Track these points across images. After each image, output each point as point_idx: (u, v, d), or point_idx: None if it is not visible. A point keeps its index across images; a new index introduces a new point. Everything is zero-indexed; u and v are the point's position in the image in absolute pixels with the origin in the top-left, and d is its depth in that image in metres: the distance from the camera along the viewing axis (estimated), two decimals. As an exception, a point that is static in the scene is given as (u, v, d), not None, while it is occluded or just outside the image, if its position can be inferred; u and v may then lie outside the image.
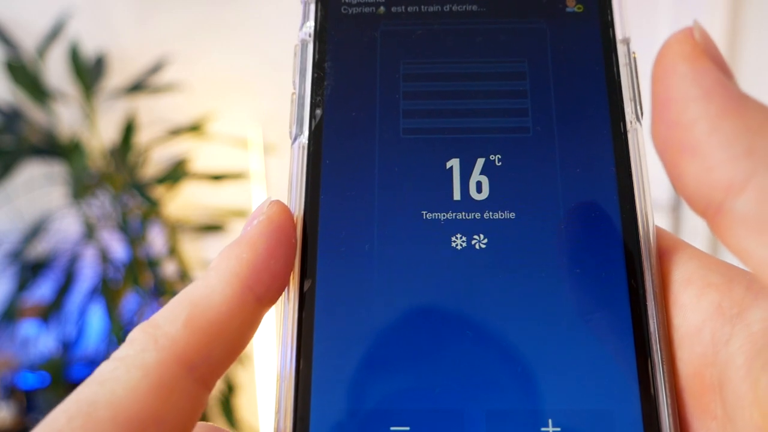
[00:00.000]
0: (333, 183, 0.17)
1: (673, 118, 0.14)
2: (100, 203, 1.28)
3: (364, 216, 0.16)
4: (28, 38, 1.27)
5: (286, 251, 0.17)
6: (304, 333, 0.16)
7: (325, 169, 0.17)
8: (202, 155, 1.31)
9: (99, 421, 0.14)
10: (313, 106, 0.17)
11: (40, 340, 1.33)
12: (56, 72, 1.27)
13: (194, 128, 1.29)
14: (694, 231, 1.25)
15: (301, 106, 0.17)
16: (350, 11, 0.18)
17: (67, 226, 1.28)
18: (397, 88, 0.17)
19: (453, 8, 0.18)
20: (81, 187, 1.20)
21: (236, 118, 1.34)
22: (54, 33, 1.23)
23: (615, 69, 0.17)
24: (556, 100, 0.17)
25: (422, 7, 0.18)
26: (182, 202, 1.33)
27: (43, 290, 1.26)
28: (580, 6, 0.18)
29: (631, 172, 0.17)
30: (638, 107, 0.17)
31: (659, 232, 0.17)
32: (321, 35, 0.18)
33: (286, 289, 0.17)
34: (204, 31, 1.34)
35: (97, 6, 1.33)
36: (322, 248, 0.16)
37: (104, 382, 0.15)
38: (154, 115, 1.31)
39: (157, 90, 1.28)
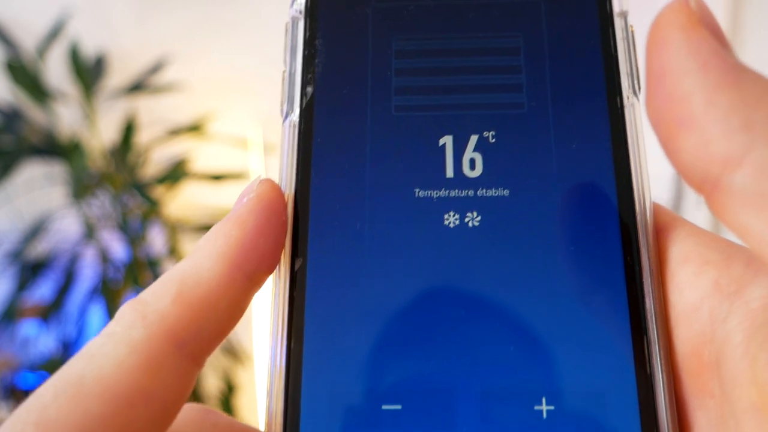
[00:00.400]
0: (324, 161, 0.17)
1: (669, 91, 0.14)
2: (100, 203, 1.28)
3: (356, 194, 0.16)
4: (28, 38, 1.27)
5: (276, 229, 0.16)
6: (295, 312, 0.16)
7: (316, 147, 0.17)
8: (202, 155, 1.31)
9: (86, 396, 0.14)
10: (304, 84, 0.17)
11: (40, 340, 1.33)
12: (56, 72, 1.27)
13: (194, 128, 1.29)
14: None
15: (291, 84, 0.17)
16: None
17: (67, 226, 1.28)
18: (389, 65, 0.17)
19: None
20: (81, 187, 1.20)
21: (236, 118, 1.33)
22: (54, 33, 1.23)
23: (612, 43, 0.17)
24: (551, 75, 0.17)
25: None
26: (182, 202, 1.32)
27: (43, 290, 1.26)
28: None
29: (627, 147, 0.16)
30: (635, 82, 0.17)
31: (657, 208, 0.17)
32: (312, 12, 0.18)
33: (277, 268, 0.17)
34: (204, 31, 1.34)
35: (97, 6, 1.33)
36: (313, 226, 0.16)
37: (92, 357, 0.15)
38: (154, 115, 1.31)
39: (157, 90, 1.28)
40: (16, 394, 1.31)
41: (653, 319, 0.15)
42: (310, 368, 0.15)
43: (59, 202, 1.27)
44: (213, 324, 0.16)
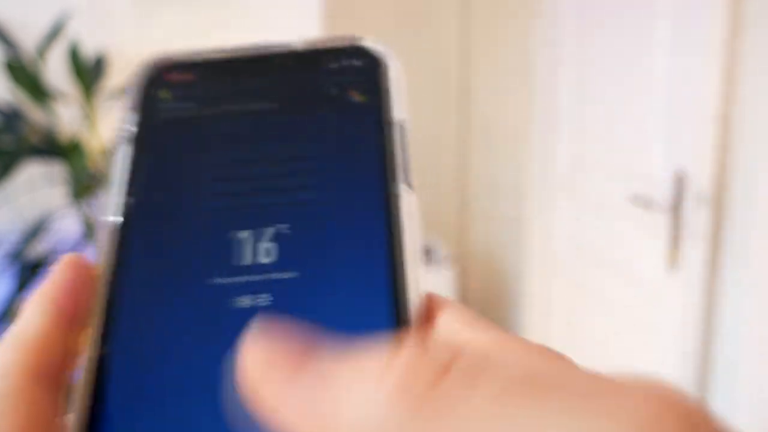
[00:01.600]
0: (138, 260, 0.19)
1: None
2: (100, 203, 1.28)
3: (165, 282, 0.19)
4: (28, 38, 1.27)
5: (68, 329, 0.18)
6: (97, 394, 0.17)
7: (132, 246, 0.19)
8: (202, 155, 1.31)
9: None
10: (126, 194, 0.20)
11: (40, 340, 1.33)
12: (56, 72, 1.27)
13: (194, 128, 1.29)
14: (695, 231, 1.25)
15: (115, 194, 0.20)
16: (164, 110, 0.22)
17: (67, 226, 1.28)
18: (199, 174, 0.21)
19: (252, 106, 0.21)
20: (81, 187, 1.20)
21: (236, 118, 1.34)
22: (54, 33, 1.23)
23: (389, 147, 0.20)
24: (338, 175, 0.20)
25: (227, 105, 0.22)
26: (182, 202, 1.33)
27: (43, 290, 1.26)
28: (363, 96, 0.21)
29: (401, 231, 0.19)
30: (408, 176, 0.20)
31: (431, 296, 0.18)
32: (138, 136, 0.21)
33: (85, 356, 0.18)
34: (203, 31, 1.34)
35: (97, 6, 1.33)
36: (122, 314, 0.18)
37: None
38: (154, 115, 1.31)
39: (157, 90, 1.28)
40: (17, 393, 1.31)
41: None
42: None
43: (59, 202, 1.27)
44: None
